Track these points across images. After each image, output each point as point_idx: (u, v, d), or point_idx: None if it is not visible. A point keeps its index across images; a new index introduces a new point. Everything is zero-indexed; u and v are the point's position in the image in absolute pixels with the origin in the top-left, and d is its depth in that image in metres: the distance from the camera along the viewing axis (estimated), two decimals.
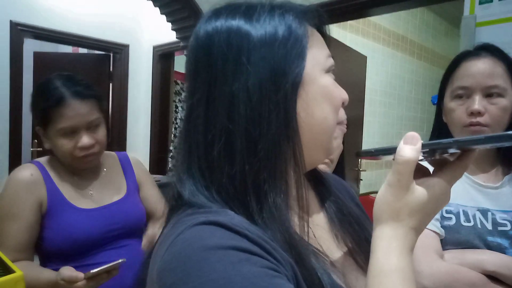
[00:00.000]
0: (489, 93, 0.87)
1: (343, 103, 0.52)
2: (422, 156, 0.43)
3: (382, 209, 0.44)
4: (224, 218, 0.41)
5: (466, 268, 0.81)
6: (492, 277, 0.80)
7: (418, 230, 0.43)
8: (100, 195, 1.18)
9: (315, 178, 0.61)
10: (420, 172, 0.44)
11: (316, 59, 0.49)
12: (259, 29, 0.46)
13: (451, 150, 0.43)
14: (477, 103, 0.87)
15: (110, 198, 1.19)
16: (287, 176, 0.47)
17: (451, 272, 0.81)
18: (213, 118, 0.46)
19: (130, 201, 1.23)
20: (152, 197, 1.30)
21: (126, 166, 1.29)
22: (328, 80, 0.50)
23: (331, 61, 0.51)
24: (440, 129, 0.99)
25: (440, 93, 0.98)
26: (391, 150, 0.44)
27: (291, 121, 0.46)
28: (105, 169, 1.24)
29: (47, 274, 1.02)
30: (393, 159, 0.44)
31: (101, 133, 1.13)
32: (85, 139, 1.07)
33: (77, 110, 1.06)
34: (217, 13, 0.49)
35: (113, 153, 1.32)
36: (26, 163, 1.15)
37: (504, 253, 0.83)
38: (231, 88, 0.45)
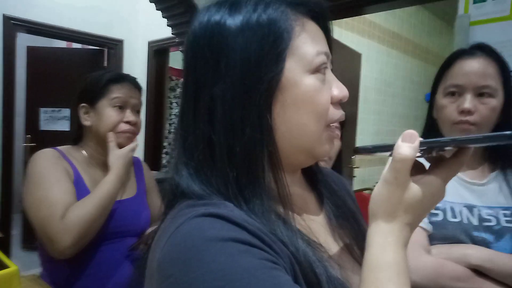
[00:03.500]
0: (480, 93, 0.89)
1: (338, 101, 0.50)
2: (419, 153, 0.44)
3: (378, 205, 0.44)
4: (224, 210, 0.41)
5: (451, 262, 0.83)
6: (477, 271, 0.82)
7: (413, 226, 0.44)
8: None
9: (313, 175, 0.61)
10: (415, 168, 0.44)
11: (301, 60, 0.47)
12: (237, 22, 0.45)
13: (448, 148, 0.44)
14: (468, 101, 0.88)
15: (123, 195, 1.21)
16: (265, 178, 0.46)
17: (437, 266, 0.83)
18: (197, 122, 0.47)
19: (140, 201, 1.26)
20: (156, 204, 1.34)
21: (138, 170, 1.35)
22: (311, 84, 0.47)
23: (321, 59, 0.48)
24: (431, 125, 1.00)
25: (433, 90, 0.99)
26: (389, 147, 0.44)
27: (265, 127, 0.45)
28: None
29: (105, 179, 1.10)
30: (389, 155, 0.44)
31: (140, 118, 1.26)
32: (131, 115, 1.21)
33: (131, 89, 1.23)
34: (208, 9, 0.49)
35: None
36: (46, 149, 1.15)
37: (489, 247, 0.85)
38: (211, 91, 0.46)
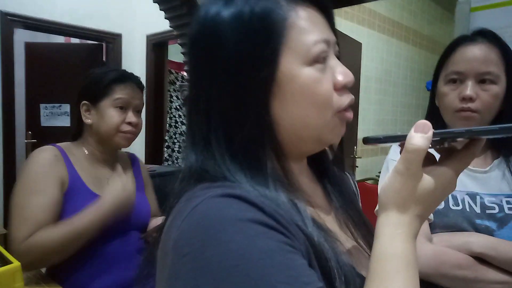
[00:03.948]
0: (482, 79, 0.88)
1: (343, 86, 0.48)
2: (431, 144, 0.43)
3: (389, 196, 0.43)
4: (241, 191, 0.41)
5: (452, 250, 0.83)
6: (479, 259, 0.82)
7: (422, 217, 0.44)
8: None
9: (320, 164, 0.60)
10: (426, 160, 0.43)
11: (298, 51, 0.45)
12: (230, 16, 0.45)
13: (460, 139, 0.43)
14: (470, 88, 0.87)
15: None
16: (268, 169, 0.46)
17: (438, 254, 0.82)
18: (199, 116, 0.48)
19: (140, 196, 1.27)
20: (152, 200, 1.35)
21: (135, 166, 1.36)
22: (308, 75, 0.46)
23: (318, 48, 0.46)
24: (433, 113, 0.99)
25: (435, 77, 0.98)
26: (401, 138, 0.43)
27: (264, 124, 0.45)
28: (119, 164, 1.27)
29: (94, 205, 1.05)
30: (399, 145, 0.44)
31: (141, 118, 1.25)
32: (132, 117, 1.20)
33: (134, 90, 1.22)
34: (207, 3, 0.48)
35: (125, 152, 1.39)
36: (47, 145, 1.16)
37: (492, 235, 0.85)
38: (210, 86, 0.46)
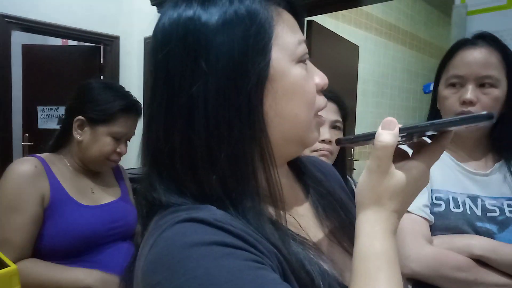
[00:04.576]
0: (482, 83, 0.88)
1: (321, 88, 0.50)
2: (401, 140, 0.44)
3: (363, 194, 0.44)
4: (206, 214, 0.40)
5: (453, 252, 0.83)
6: (480, 261, 0.82)
7: (400, 212, 0.44)
8: (100, 195, 1.21)
9: (296, 167, 0.60)
10: (399, 156, 0.45)
11: (285, 50, 0.45)
12: (215, 17, 0.43)
13: (429, 133, 0.44)
14: (470, 92, 0.87)
15: (109, 198, 1.22)
16: (256, 177, 0.45)
17: (438, 256, 0.83)
18: (172, 126, 0.44)
19: (126, 202, 1.26)
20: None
21: (117, 173, 1.34)
22: (298, 73, 0.46)
23: (302, 48, 0.47)
24: (435, 116, 1.00)
25: (436, 81, 0.99)
26: (370, 136, 0.44)
27: (257, 122, 0.44)
28: (101, 172, 1.27)
29: (74, 274, 1.02)
30: (372, 144, 0.44)
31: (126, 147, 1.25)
32: (124, 147, 1.20)
33: (135, 121, 1.22)
34: (176, 4, 0.46)
35: None
36: (27, 156, 1.14)
37: (493, 238, 0.85)
38: (189, 92, 0.43)
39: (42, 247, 1.06)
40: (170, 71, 0.44)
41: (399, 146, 0.45)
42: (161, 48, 0.45)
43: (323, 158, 1.15)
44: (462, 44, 0.93)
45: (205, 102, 0.42)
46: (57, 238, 1.06)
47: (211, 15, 0.43)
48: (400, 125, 0.43)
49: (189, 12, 0.44)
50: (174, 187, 0.45)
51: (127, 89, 1.24)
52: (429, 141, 0.46)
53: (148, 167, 0.48)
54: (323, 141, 1.13)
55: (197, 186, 0.44)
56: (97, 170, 1.22)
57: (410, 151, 0.47)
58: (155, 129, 0.46)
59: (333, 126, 1.19)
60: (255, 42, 0.43)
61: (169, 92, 0.44)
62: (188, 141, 0.44)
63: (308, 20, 2.45)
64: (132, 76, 3.49)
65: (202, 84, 0.42)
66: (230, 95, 0.42)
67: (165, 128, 0.45)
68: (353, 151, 3.38)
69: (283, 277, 0.40)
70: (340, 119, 1.21)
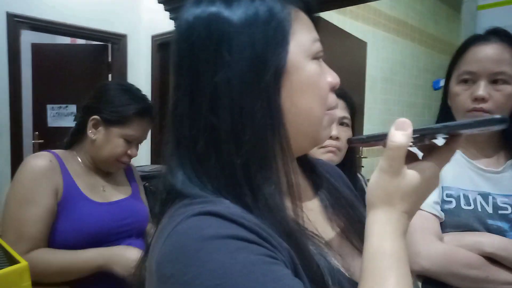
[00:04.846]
0: (494, 80, 0.87)
1: (333, 88, 0.51)
2: (412, 141, 0.44)
3: (375, 194, 0.44)
4: (220, 208, 0.41)
5: (463, 249, 0.82)
6: (490, 259, 0.81)
7: (410, 213, 0.44)
8: (111, 192, 1.23)
9: (306, 165, 0.61)
10: (409, 158, 0.45)
11: (301, 45, 0.48)
12: (238, 13, 0.45)
13: (440, 135, 0.44)
14: (482, 89, 0.86)
15: (119, 196, 1.24)
16: (276, 166, 0.46)
17: (448, 253, 0.82)
18: (197, 112, 0.46)
19: (137, 200, 1.28)
20: (145, 203, 1.36)
21: (129, 171, 1.36)
22: (313, 68, 0.48)
23: (317, 46, 0.49)
24: (445, 113, 0.98)
25: (447, 77, 0.98)
26: (382, 136, 0.45)
27: (276, 112, 0.45)
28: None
29: (85, 255, 1.05)
30: (383, 145, 0.44)
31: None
32: (135, 150, 1.22)
33: (148, 126, 1.23)
34: (199, 1, 0.48)
35: None
36: (42, 151, 1.16)
37: (504, 236, 0.84)
38: (213, 80, 0.45)
39: (53, 242, 1.09)
40: (194, 60, 0.47)
41: (410, 148, 0.45)
42: (186, 39, 0.47)
43: (330, 154, 1.14)
44: (474, 39, 0.92)
45: (228, 90, 0.45)
46: (68, 233, 1.08)
47: (234, 11, 0.45)
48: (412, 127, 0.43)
49: (213, 8, 0.46)
50: (193, 174, 0.46)
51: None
52: (439, 143, 0.46)
53: (170, 151, 0.49)
54: (330, 137, 1.12)
55: (219, 170, 0.45)
56: (107, 170, 1.24)
57: (420, 154, 0.47)
58: (179, 116, 0.48)
59: (341, 123, 1.19)
60: (274, 35, 0.45)
61: (194, 80, 0.47)
62: (212, 126, 0.45)
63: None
64: (141, 74, 3.51)
65: (224, 73, 0.44)
66: (251, 83, 0.44)
67: (190, 115, 0.47)
68: (361, 149, 3.36)
69: (294, 273, 0.40)
70: (348, 115, 1.21)
